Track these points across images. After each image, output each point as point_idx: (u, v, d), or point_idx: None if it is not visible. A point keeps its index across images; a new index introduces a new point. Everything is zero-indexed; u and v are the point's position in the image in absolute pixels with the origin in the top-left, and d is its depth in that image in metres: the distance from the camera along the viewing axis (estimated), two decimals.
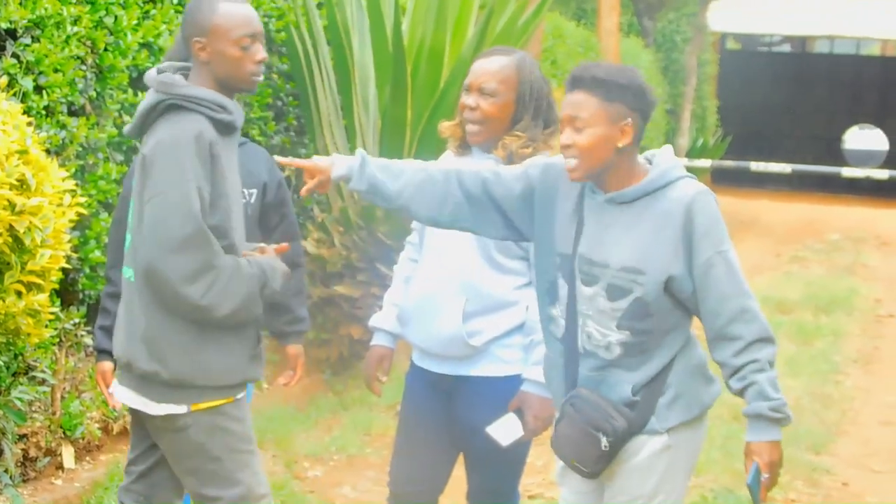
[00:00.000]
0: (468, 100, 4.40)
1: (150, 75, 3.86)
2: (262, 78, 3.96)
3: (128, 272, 3.90)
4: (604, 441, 3.83)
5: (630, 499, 3.92)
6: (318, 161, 3.93)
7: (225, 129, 3.83)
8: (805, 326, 10.97)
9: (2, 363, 5.26)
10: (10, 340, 4.97)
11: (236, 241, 3.87)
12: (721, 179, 23.69)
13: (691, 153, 20.40)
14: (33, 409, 5.95)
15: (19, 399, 5.34)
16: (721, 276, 3.74)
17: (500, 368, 4.43)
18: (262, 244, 4.13)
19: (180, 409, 3.82)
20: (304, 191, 3.90)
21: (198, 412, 3.83)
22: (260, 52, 3.88)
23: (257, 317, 3.91)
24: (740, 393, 3.75)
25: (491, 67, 4.40)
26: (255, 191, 4.91)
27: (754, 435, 3.77)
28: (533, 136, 4.39)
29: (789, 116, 26.80)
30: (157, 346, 3.78)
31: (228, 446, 3.88)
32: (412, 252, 4.71)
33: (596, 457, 3.86)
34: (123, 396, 3.96)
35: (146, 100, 3.85)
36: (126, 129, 3.97)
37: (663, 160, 3.87)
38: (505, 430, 4.36)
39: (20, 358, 5.51)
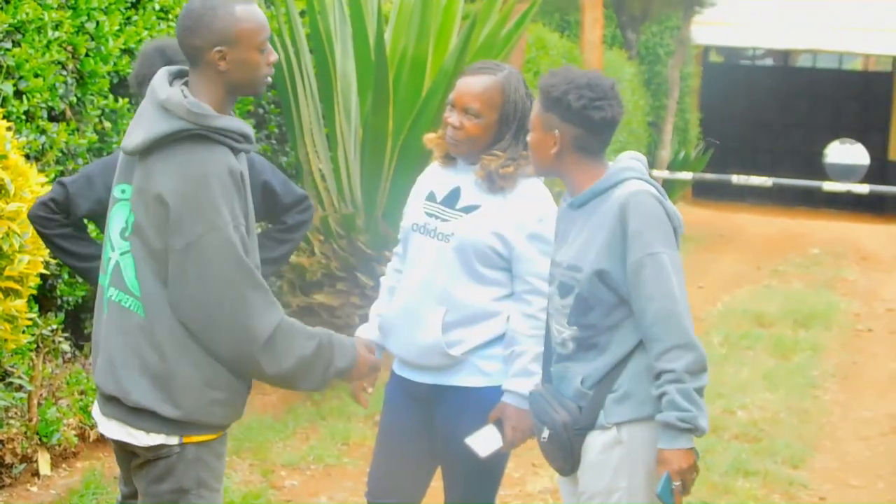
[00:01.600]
0: (452, 118, 4.43)
1: (175, 100, 3.53)
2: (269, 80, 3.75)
3: (120, 296, 3.66)
4: (545, 432, 4.03)
5: (588, 496, 4.03)
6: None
7: (238, 153, 3.65)
8: (784, 340, 10.98)
9: None
10: None
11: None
12: (702, 192, 23.75)
13: (673, 166, 20.41)
14: (10, 415, 5.93)
15: None
16: (649, 277, 3.85)
17: (480, 380, 4.44)
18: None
19: (171, 440, 3.65)
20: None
21: (188, 444, 3.67)
22: (272, 52, 3.68)
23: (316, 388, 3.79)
24: (657, 399, 3.86)
25: (475, 88, 4.42)
26: None
27: (665, 443, 3.86)
28: (513, 154, 4.41)
29: (771, 130, 26.83)
30: (165, 384, 3.59)
31: (200, 481, 3.71)
32: (397, 262, 4.72)
33: (548, 450, 4.07)
34: (107, 428, 3.76)
35: (162, 122, 3.53)
36: (130, 146, 3.59)
37: (616, 164, 4.05)
38: (484, 441, 4.37)
39: None
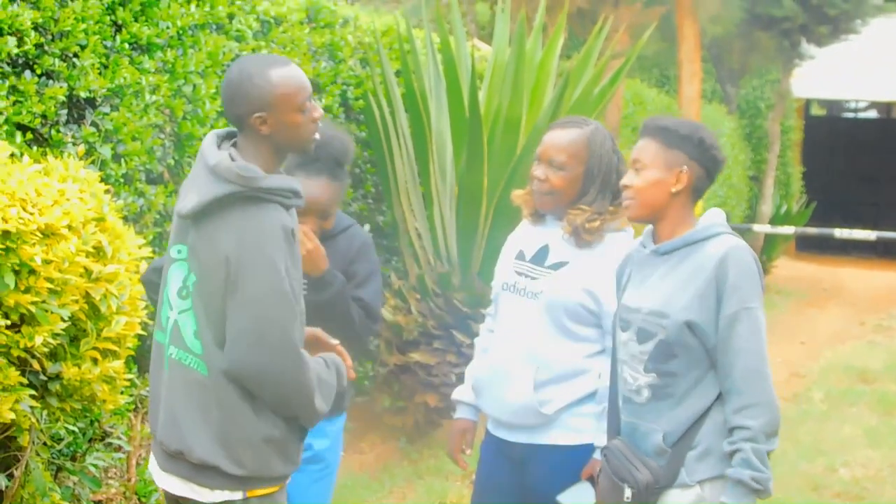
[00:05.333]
0: (538, 171, 4.47)
1: (224, 164, 3.61)
2: (318, 136, 3.81)
3: (181, 355, 3.73)
4: (627, 492, 3.98)
5: None
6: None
7: (290, 208, 3.72)
8: (888, 396, 10.80)
9: (78, 429, 5.29)
10: (86, 407, 4.98)
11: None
12: (805, 246, 23.50)
13: (774, 220, 20.24)
14: (108, 475, 5.98)
15: (94, 465, 5.36)
16: (743, 331, 3.83)
17: (572, 437, 4.44)
18: (318, 330, 4.03)
19: (235, 495, 3.71)
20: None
21: (251, 497, 3.74)
22: (317, 108, 3.76)
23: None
24: (730, 455, 3.83)
25: (561, 141, 4.45)
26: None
27: (731, 498, 3.82)
28: (599, 209, 4.41)
29: (874, 182, 26.51)
30: (228, 442, 3.66)
31: None
32: (490, 323, 4.74)
33: None
34: (166, 484, 3.83)
35: (214, 186, 3.61)
36: (185, 210, 3.68)
37: (708, 217, 4.04)
38: (576, 498, 4.35)
39: (96, 424, 5.54)
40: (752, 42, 19.49)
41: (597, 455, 4.36)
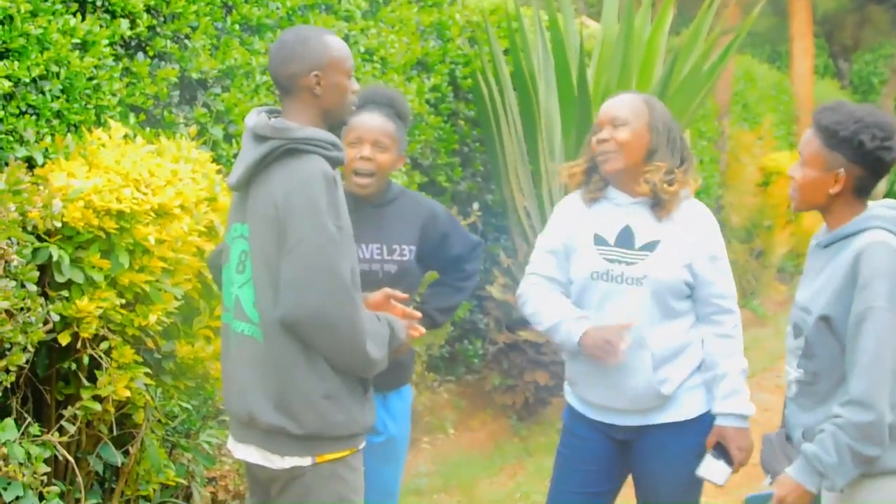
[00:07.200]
0: (601, 134, 4.37)
1: (261, 122, 3.80)
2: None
3: (242, 326, 3.84)
4: (767, 479, 4.03)
5: None
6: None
7: (335, 165, 3.82)
8: None
9: (191, 407, 5.35)
10: (200, 384, 5.04)
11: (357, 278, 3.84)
12: None
13: (889, 196, 19.92)
14: (222, 452, 6.03)
15: (208, 443, 5.41)
16: (867, 331, 3.73)
17: (682, 413, 4.42)
18: (387, 289, 4.13)
19: (305, 461, 3.80)
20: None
21: (322, 463, 3.82)
22: (355, 82, 3.94)
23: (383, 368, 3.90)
24: (820, 432, 3.80)
25: (621, 101, 4.41)
26: (413, 247, 4.73)
27: (794, 470, 3.81)
28: (671, 168, 4.34)
29: None
30: (287, 402, 3.75)
31: (339, 495, 3.85)
32: (535, 280, 4.59)
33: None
34: (243, 453, 3.94)
35: (256, 149, 3.77)
36: (232, 181, 3.87)
37: (868, 210, 3.93)
38: (714, 469, 4.35)
39: (210, 402, 5.60)
40: (865, 16, 19.21)
41: (718, 421, 4.34)
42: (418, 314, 4.15)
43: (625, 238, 4.39)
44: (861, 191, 3.92)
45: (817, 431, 3.79)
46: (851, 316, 3.76)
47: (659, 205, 4.34)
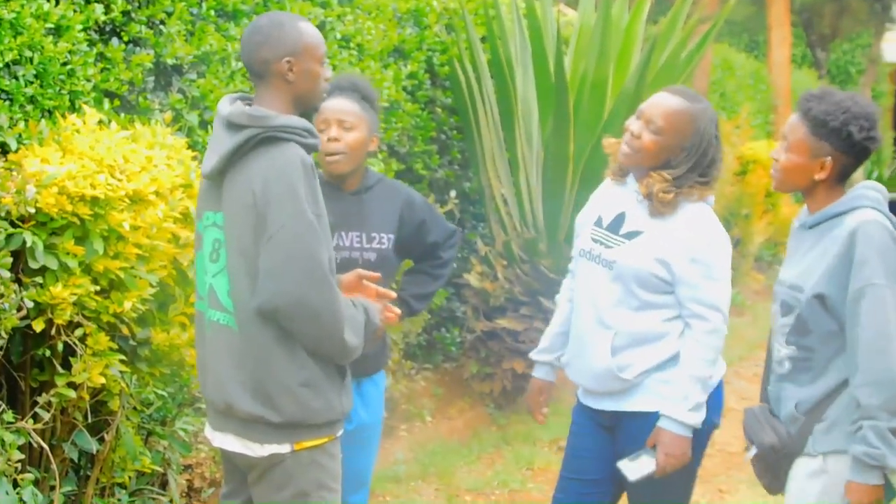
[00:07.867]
0: (634, 125, 4.39)
1: (237, 110, 3.76)
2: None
3: (217, 315, 3.83)
4: (752, 450, 4.11)
5: None
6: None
7: (310, 151, 3.83)
8: None
9: (167, 394, 5.33)
10: (175, 371, 5.03)
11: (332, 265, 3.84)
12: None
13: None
14: (198, 439, 6.02)
15: (184, 430, 5.40)
16: (867, 308, 3.79)
17: (658, 403, 4.37)
18: (359, 270, 4.16)
19: (283, 448, 3.80)
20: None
21: (301, 450, 3.82)
22: (329, 69, 3.95)
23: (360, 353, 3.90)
24: (854, 433, 3.83)
25: (667, 107, 4.36)
26: (391, 235, 4.77)
27: (853, 475, 3.82)
28: (680, 183, 4.34)
29: None
30: (265, 391, 3.75)
31: (318, 482, 3.86)
32: (569, 283, 4.72)
33: (756, 468, 4.17)
34: (221, 442, 3.94)
35: (231, 138, 3.73)
36: (206, 169, 3.83)
37: (853, 190, 4.00)
38: (636, 465, 4.34)
39: (185, 389, 5.58)
40: (843, 5, 19.26)
41: (660, 423, 4.32)
42: (392, 294, 4.17)
43: (616, 223, 4.45)
44: (844, 176, 4.00)
45: (853, 430, 3.81)
46: (850, 293, 3.82)
47: (650, 203, 4.37)
